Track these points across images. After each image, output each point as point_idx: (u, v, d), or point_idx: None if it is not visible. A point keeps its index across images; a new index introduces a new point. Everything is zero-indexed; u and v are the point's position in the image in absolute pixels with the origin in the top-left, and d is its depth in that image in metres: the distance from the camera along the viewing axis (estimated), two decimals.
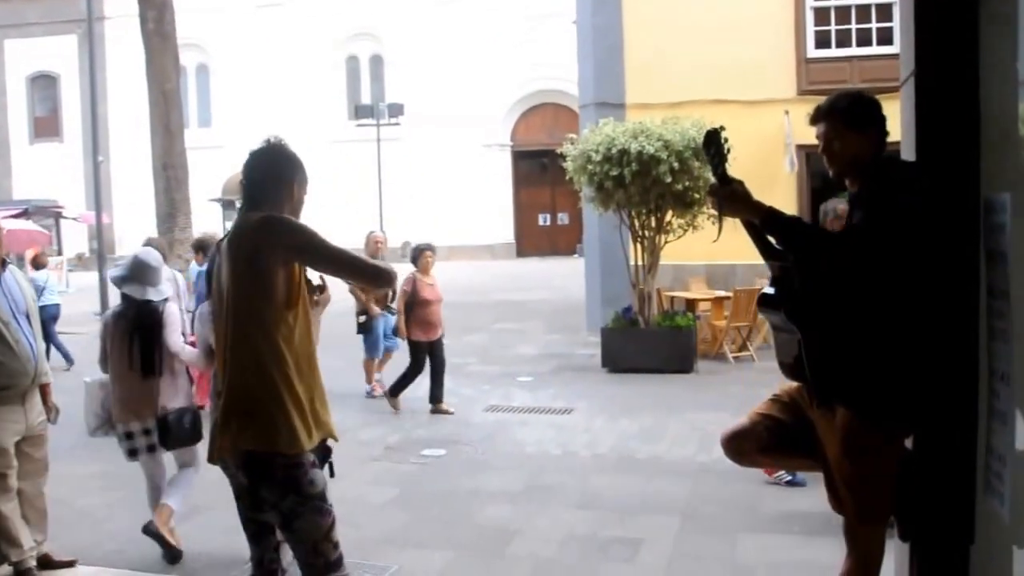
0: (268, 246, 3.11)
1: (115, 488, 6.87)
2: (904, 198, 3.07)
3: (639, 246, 12.22)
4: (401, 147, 37.20)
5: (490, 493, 6.63)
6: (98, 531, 6.02)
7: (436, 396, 9.67)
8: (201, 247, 9.73)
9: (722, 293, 13.53)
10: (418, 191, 37.92)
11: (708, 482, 6.89)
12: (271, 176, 3.34)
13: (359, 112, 35.14)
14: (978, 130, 2.95)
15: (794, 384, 3.50)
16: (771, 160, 14.23)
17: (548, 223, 41.35)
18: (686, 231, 12.09)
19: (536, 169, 40.27)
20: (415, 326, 9.54)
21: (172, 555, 5.38)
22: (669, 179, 11.09)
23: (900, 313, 3.10)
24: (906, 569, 3.34)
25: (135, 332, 5.33)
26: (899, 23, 3.36)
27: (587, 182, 11.77)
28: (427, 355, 9.60)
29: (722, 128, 3.37)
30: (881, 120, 3.23)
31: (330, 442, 3.46)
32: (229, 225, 26.57)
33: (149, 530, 5.41)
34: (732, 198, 3.27)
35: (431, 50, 39.51)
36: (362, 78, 42.19)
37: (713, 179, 3.38)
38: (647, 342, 12.08)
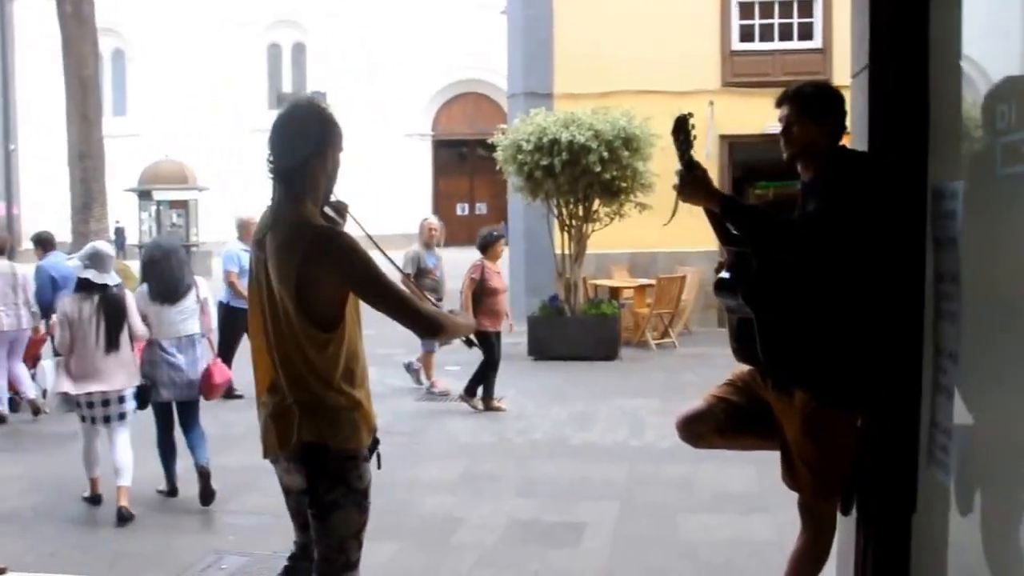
0: (317, 268, 2.85)
1: (40, 491, 6.61)
2: (858, 189, 3.18)
3: (566, 235, 12.34)
4: None
5: (429, 483, 6.63)
6: (27, 535, 5.75)
7: (490, 392, 9.21)
8: (40, 242, 9.56)
9: (645, 281, 13.76)
10: (339, 180, 37.53)
11: (643, 466, 7.03)
12: (300, 147, 2.96)
13: (281, 100, 34.58)
14: (927, 122, 3.06)
15: (747, 367, 3.59)
16: (695, 150, 14.46)
17: (467, 213, 41.41)
18: (613, 220, 12.25)
19: (455, 159, 40.29)
20: (483, 316, 8.94)
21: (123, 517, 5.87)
22: (598, 168, 11.25)
23: (852, 297, 3.22)
24: (852, 539, 3.46)
25: (104, 313, 5.95)
26: (851, 18, 3.47)
27: (516, 171, 11.84)
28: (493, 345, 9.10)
29: (690, 115, 3.43)
30: (841, 113, 3.33)
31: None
32: (145, 216, 25.60)
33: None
34: (694, 184, 3.34)
35: (354, 39, 39.18)
36: (284, 66, 41.63)
37: (680, 165, 3.43)
38: (573, 330, 12.24)
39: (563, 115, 11.84)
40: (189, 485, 6.24)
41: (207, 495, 6.05)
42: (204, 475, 6.07)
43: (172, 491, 6.32)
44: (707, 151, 14.72)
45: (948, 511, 3.06)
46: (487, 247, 9.22)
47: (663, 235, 13.31)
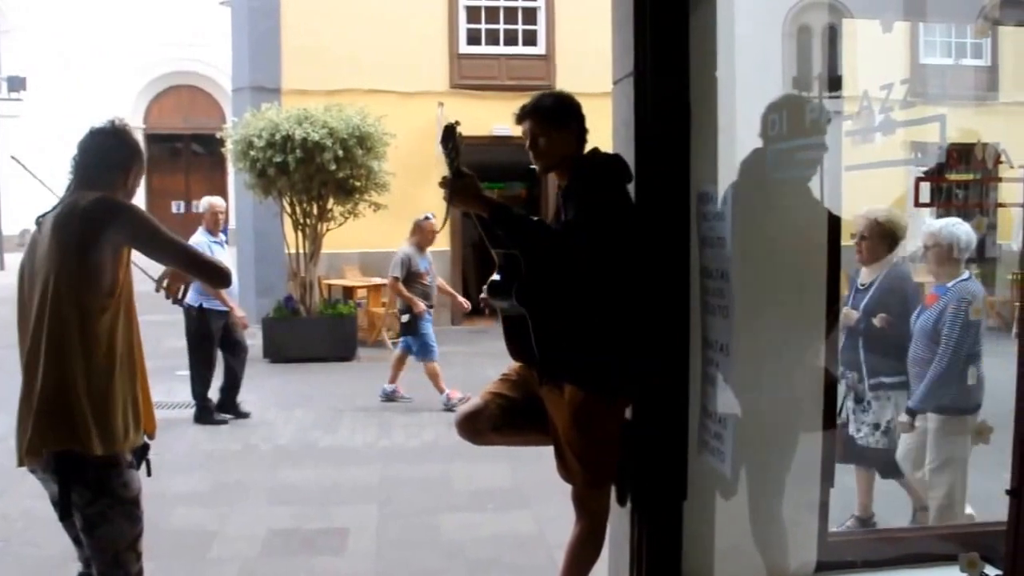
0: (100, 229, 2.92)
1: None
2: (607, 191, 3.31)
3: (300, 234, 12.11)
4: (22, 125, 33.67)
5: (175, 495, 6.23)
6: None
7: None
8: None
9: (379, 280, 13.75)
10: (42, 174, 34.60)
11: (396, 466, 7.03)
12: (107, 159, 3.19)
13: None
14: (688, 130, 3.27)
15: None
16: (424, 149, 14.62)
17: (182, 211, 39.55)
18: (347, 219, 12.16)
19: (168, 155, 38.38)
20: None
21: None
22: (333, 167, 11.13)
23: (617, 295, 3.36)
24: (626, 527, 3.64)
25: None
26: (613, 27, 3.62)
27: (248, 168, 11.45)
28: None
29: (458, 123, 3.45)
30: (580, 118, 3.46)
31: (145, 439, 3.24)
32: None
33: None
34: (464, 191, 3.37)
35: (54, 21, 36.12)
36: None
37: (448, 172, 3.44)
38: (310, 331, 12.07)
39: (296, 111, 11.57)
40: None
41: None
42: None
43: None
44: (437, 152, 14.94)
45: (716, 495, 3.31)
46: None
47: (395, 235, 13.31)
